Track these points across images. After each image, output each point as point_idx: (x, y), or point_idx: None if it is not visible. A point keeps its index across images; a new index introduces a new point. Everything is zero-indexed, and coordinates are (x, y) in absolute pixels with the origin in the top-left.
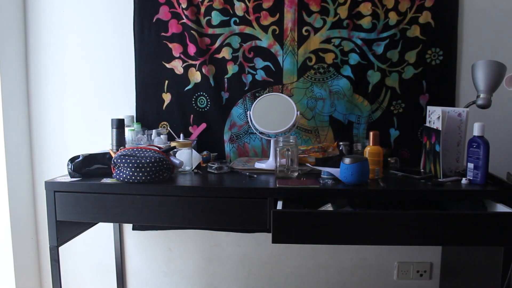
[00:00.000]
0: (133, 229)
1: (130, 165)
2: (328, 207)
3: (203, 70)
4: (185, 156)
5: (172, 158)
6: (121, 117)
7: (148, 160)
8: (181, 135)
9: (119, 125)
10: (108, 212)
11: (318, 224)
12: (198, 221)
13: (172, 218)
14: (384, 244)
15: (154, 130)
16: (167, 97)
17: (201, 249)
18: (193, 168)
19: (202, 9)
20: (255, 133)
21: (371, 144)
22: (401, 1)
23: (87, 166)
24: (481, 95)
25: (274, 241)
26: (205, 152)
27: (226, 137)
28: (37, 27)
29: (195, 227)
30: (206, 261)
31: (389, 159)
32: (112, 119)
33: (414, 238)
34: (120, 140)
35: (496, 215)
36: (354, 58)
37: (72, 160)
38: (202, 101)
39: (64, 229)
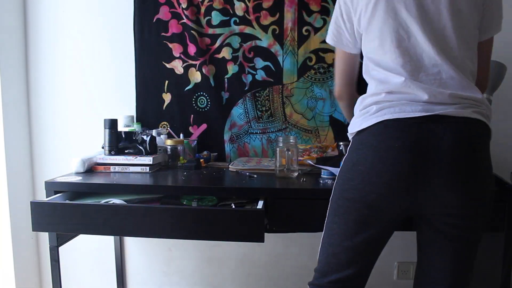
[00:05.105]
0: None
1: None
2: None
3: (203, 70)
4: None
5: None
6: (120, 117)
7: None
8: (181, 135)
9: (112, 125)
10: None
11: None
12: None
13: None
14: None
15: (154, 130)
16: (167, 97)
17: (201, 249)
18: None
19: (202, 9)
20: (256, 133)
21: None
22: None
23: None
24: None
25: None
26: (205, 152)
27: (226, 137)
28: (37, 27)
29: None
30: (206, 261)
31: None
32: (104, 119)
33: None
34: (112, 140)
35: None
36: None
37: None
38: (202, 101)
39: None
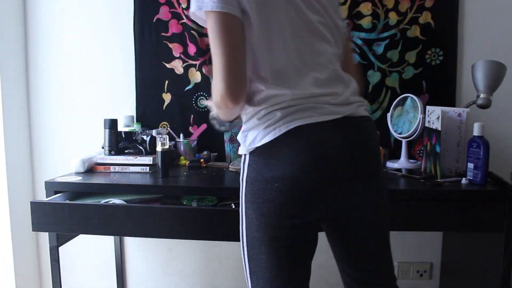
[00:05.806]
0: None
1: None
2: None
3: (203, 70)
4: None
5: None
6: (120, 117)
7: None
8: (181, 135)
9: (112, 125)
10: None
11: None
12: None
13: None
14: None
15: (154, 130)
16: (167, 97)
17: (201, 249)
18: None
19: None
20: None
21: None
22: (401, 1)
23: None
24: (481, 95)
25: None
26: (205, 152)
27: (226, 137)
28: (37, 27)
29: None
30: (206, 261)
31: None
32: (104, 119)
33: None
34: (112, 140)
35: None
36: (354, 58)
37: None
38: (202, 101)
39: None
